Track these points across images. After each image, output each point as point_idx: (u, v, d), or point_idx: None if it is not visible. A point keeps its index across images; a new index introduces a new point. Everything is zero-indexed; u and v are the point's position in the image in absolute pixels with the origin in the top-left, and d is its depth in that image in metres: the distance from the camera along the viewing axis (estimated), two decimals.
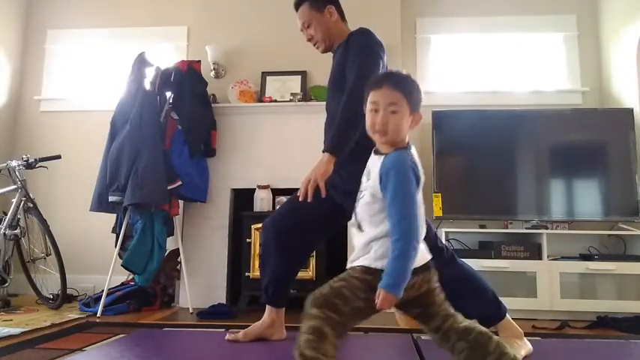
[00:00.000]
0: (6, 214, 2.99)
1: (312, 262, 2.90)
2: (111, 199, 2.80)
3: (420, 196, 1.23)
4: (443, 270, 1.32)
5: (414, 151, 1.29)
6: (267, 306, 2.02)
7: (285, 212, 1.98)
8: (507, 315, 1.77)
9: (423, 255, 1.25)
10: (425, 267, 1.25)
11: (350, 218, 1.35)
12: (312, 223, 1.92)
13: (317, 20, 1.99)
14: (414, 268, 1.20)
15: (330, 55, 2.07)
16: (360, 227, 1.29)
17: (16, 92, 3.79)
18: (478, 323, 1.27)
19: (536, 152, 3.17)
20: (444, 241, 2.42)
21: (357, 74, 1.76)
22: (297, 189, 2.03)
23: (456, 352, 1.26)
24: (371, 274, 1.22)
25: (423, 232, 1.24)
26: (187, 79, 3.06)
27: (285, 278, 1.99)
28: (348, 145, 1.74)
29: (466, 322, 1.27)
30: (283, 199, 2.94)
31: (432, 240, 1.66)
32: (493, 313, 1.76)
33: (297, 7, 2.04)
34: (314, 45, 2.05)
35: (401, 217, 1.18)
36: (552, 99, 3.44)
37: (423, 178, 1.25)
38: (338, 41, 2.00)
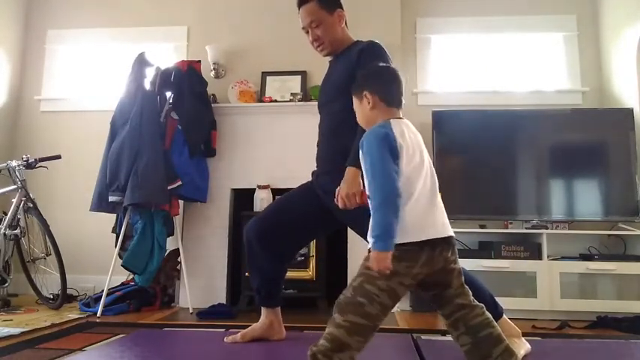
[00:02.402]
0: (6, 214, 2.99)
1: (312, 262, 2.90)
2: (111, 199, 2.81)
3: (406, 161, 1.26)
4: None
5: (394, 123, 1.30)
6: (262, 308, 2.02)
7: (268, 213, 1.98)
8: (504, 315, 1.77)
9: (438, 229, 1.25)
10: (440, 242, 1.24)
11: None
12: (296, 224, 1.92)
13: (326, 21, 1.90)
14: (427, 240, 1.21)
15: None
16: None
17: (16, 92, 3.79)
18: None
19: (536, 152, 3.17)
20: None
21: None
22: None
23: (459, 343, 1.26)
24: None
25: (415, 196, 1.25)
26: (187, 79, 3.06)
27: (275, 278, 1.99)
28: None
29: (482, 319, 1.27)
30: None
31: None
32: (491, 313, 1.75)
33: (302, 3, 1.91)
34: (317, 47, 1.95)
35: (370, 180, 1.25)
36: (552, 99, 3.44)
37: (404, 144, 1.27)
38: (341, 47, 1.96)
